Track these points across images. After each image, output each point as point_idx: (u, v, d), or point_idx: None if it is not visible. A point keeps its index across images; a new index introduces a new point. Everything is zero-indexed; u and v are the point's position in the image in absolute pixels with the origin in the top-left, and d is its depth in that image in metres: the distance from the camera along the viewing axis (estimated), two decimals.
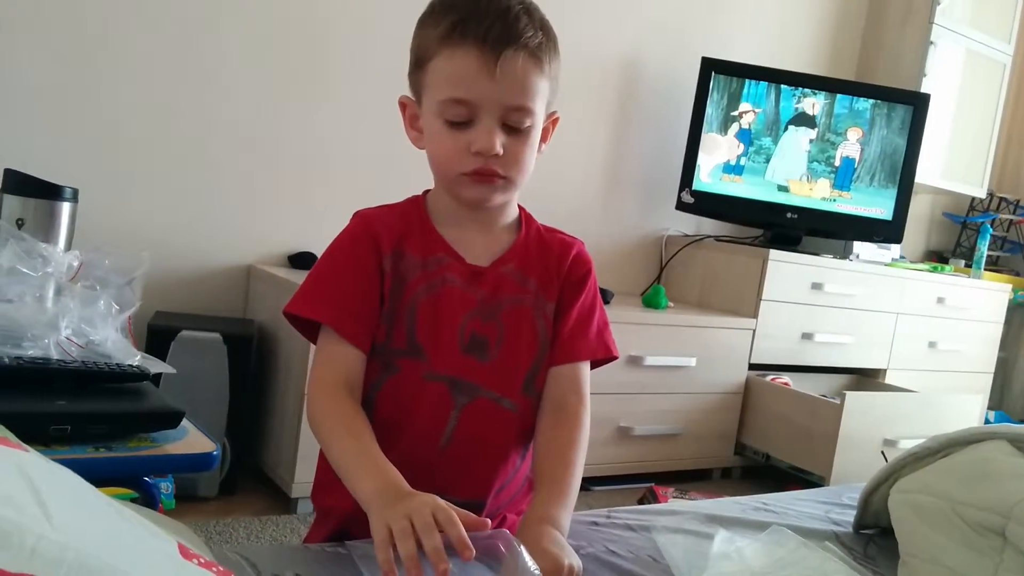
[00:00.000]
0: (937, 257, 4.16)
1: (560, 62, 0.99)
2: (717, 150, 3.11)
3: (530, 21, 0.94)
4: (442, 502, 0.78)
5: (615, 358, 1.09)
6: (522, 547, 0.79)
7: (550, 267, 1.07)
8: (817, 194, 3.16)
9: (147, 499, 1.08)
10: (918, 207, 3.93)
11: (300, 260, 2.48)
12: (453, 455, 1.00)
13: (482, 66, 0.91)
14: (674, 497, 2.52)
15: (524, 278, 1.04)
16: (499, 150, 0.93)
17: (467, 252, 1.02)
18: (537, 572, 0.78)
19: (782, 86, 3.11)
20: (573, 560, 0.83)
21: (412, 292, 0.99)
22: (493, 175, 0.95)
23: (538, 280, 1.05)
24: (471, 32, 0.91)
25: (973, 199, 4.14)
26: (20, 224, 1.23)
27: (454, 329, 0.99)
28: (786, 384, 3.02)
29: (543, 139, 1.02)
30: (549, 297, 1.05)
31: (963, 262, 3.98)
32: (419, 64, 0.97)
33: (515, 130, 0.95)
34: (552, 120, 1.03)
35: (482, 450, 1.02)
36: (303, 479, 2.14)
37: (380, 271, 1.00)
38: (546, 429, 1.01)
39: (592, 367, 1.08)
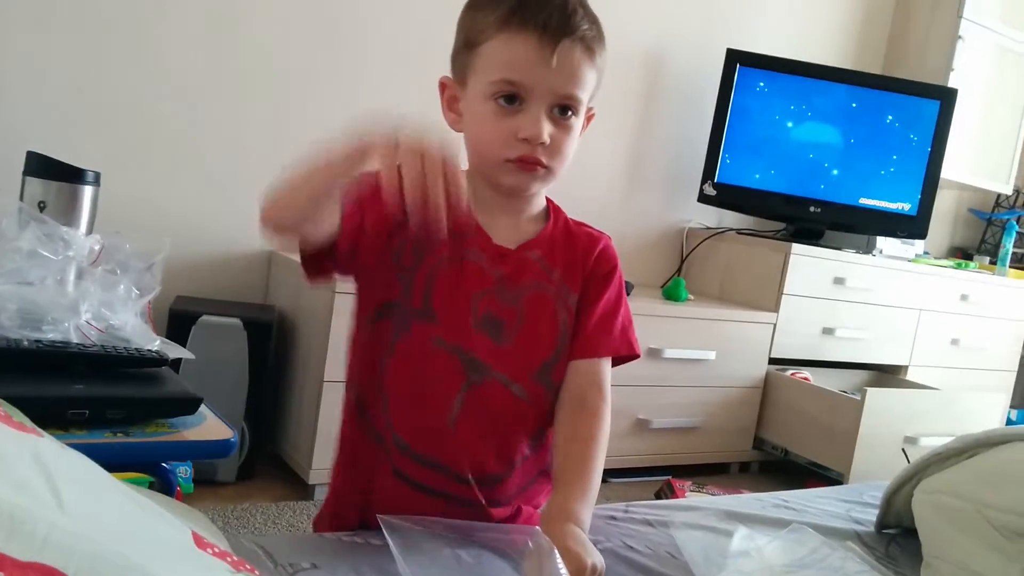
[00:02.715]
0: (962, 254, 4.11)
1: (607, 56, 1.00)
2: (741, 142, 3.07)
3: (585, 14, 0.96)
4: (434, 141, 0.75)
5: (637, 356, 1.08)
6: (555, 550, 0.79)
7: (576, 259, 1.06)
8: (841, 188, 3.12)
9: (163, 485, 1.09)
10: (943, 203, 3.88)
11: None
12: (462, 432, 0.98)
13: (539, 53, 0.92)
14: (691, 491, 2.51)
15: (549, 267, 1.04)
16: (546, 139, 0.94)
17: (495, 235, 1.02)
18: (566, 575, 0.77)
19: (808, 79, 3.07)
20: (596, 559, 0.83)
21: (435, 258, 0.99)
22: (537, 163, 0.96)
23: (563, 270, 1.05)
24: (531, 19, 0.92)
25: (999, 195, 4.08)
26: (42, 207, 1.23)
27: (467, 302, 0.99)
28: (806, 379, 2.99)
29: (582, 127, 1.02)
30: (573, 288, 1.05)
31: (988, 259, 3.92)
32: (469, 45, 0.96)
33: (562, 120, 0.96)
34: (589, 115, 1.04)
35: (490, 433, 1.01)
36: (320, 465, 2.14)
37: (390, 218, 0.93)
38: (566, 424, 1.00)
39: (613, 364, 1.07)
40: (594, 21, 0.97)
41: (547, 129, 0.94)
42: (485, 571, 0.83)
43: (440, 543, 0.85)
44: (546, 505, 0.92)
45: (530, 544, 0.82)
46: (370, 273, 1.00)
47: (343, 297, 2.10)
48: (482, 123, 0.96)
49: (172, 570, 0.48)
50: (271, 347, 2.25)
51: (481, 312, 0.99)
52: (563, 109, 0.95)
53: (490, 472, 1.01)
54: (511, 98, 0.93)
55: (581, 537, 0.86)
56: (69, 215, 1.25)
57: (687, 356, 2.77)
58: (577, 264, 1.06)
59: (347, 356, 1.06)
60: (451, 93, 1.01)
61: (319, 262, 0.97)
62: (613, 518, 1.13)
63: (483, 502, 1.00)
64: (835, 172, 3.12)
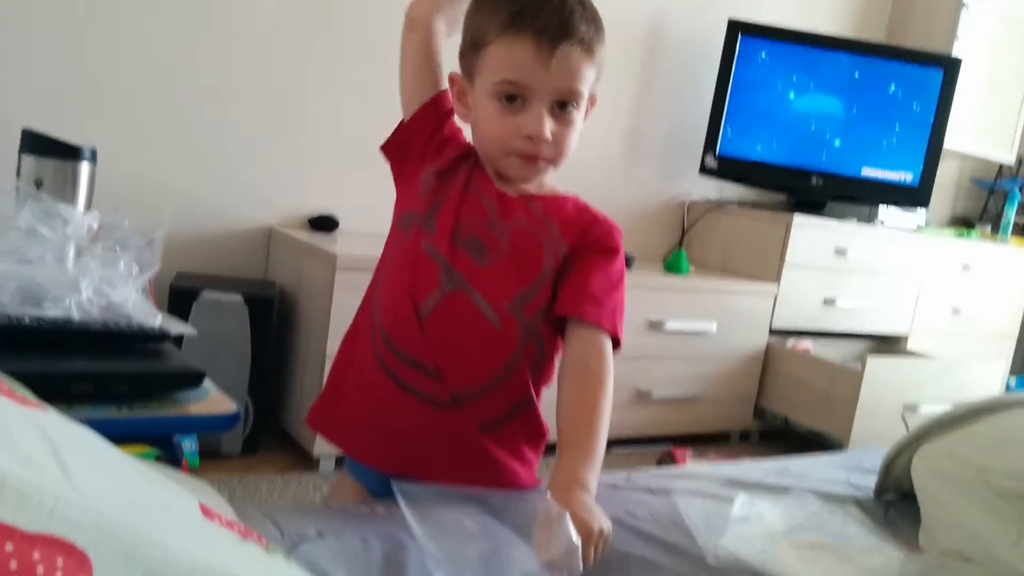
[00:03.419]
0: (963, 223, 4.10)
1: (605, 48, 1.05)
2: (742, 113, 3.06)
3: (584, 13, 1.01)
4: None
5: (619, 347, 1.07)
6: (567, 515, 0.80)
7: (577, 222, 1.09)
8: (843, 158, 3.11)
9: (169, 458, 1.09)
10: (945, 172, 3.86)
11: (320, 223, 2.48)
12: (429, 337, 1.03)
13: (538, 58, 0.98)
14: (692, 459, 2.53)
15: (546, 217, 1.07)
16: (548, 136, 1.01)
17: (503, 188, 1.09)
18: (578, 542, 0.78)
19: (810, 48, 3.05)
20: (603, 523, 0.85)
21: (452, 188, 1.08)
22: (539, 159, 1.03)
23: (560, 224, 1.07)
24: (528, 25, 0.97)
25: (1001, 165, 4.06)
26: (39, 185, 1.22)
27: (456, 222, 1.06)
28: (807, 350, 3.00)
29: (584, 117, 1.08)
30: (566, 240, 1.07)
31: (989, 228, 3.92)
32: (474, 46, 1.03)
33: (563, 115, 1.02)
34: (591, 101, 1.09)
35: (459, 349, 1.04)
36: None
37: (443, 142, 1.12)
38: (569, 390, 1.01)
39: None
40: (592, 19, 1.02)
41: (549, 126, 1.01)
42: (495, 539, 0.84)
43: (451, 511, 0.86)
44: (553, 472, 0.93)
45: (540, 510, 0.83)
46: (407, 178, 1.13)
47: (344, 274, 2.10)
48: (488, 119, 1.04)
49: (180, 539, 0.49)
50: (272, 322, 2.26)
51: (466, 234, 1.05)
52: (563, 104, 1.01)
53: (453, 385, 1.03)
54: (513, 97, 1.00)
55: (588, 502, 0.88)
56: (66, 193, 1.24)
57: (688, 328, 2.78)
58: (577, 226, 1.08)
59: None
60: (460, 88, 1.08)
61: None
62: (615, 486, 1.14)
63: (451, 400, 1.03)
64: (837, 142, 3.11)
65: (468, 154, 1.11)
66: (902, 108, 3.13)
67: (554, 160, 1.05)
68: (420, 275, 1.05)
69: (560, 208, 1.09)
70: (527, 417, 1.08)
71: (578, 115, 1.04)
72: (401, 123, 1.14)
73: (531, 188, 1.10)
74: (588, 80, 1.02)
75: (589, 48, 1.00)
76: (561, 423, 0.99)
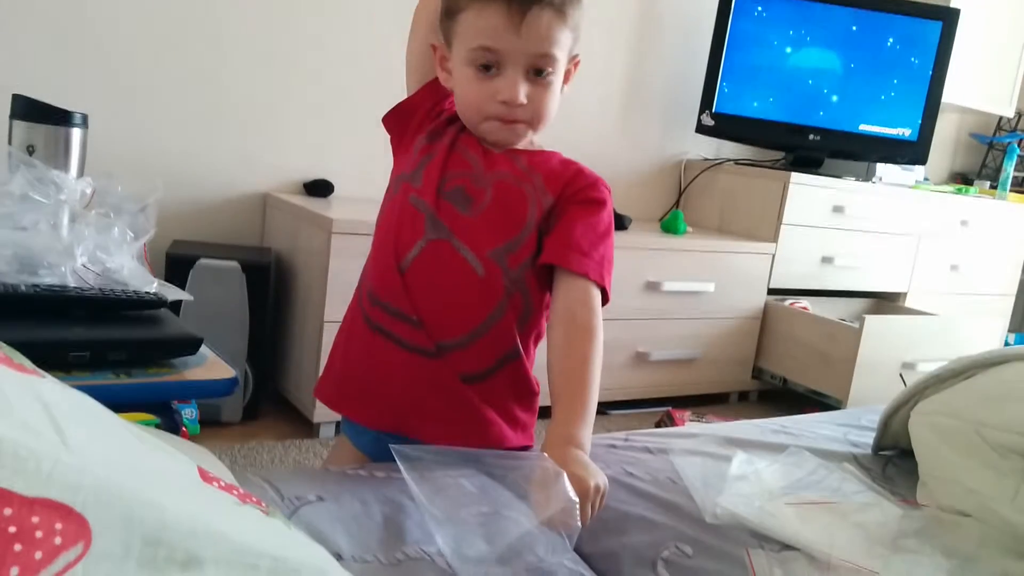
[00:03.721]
0: (962, 179, 4.09)
1: (583, 10, 1.04)
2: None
3: None
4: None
5: (607, 299, 1.07)
6: (564, 474, 0.80)
7: (562, 174, 1.09)
8: (841, 115, 3.09)
9: (170, 425, 1.10)
10: (944, 127, 3.84)
11: (316, 188, 2.46)
12: (411, 285, 1.04)
13: (509, 23, 0.98)
14: (691, 420, 2.54)
15: (531, 170, 1.08)
16: (523, 100, 1.01)
17: (489, 147, 1.10)
18: (576, 500, 0.79)
19: (807, 2, 3.01)
20: (599, 479, 0.85)
21: (440, 145, 1.10)
22: (516, 122, 1.05)
23: (544, 176, 1.08)
24: None
25: (1001, 119, 4.04)
26: (31, 151, 1.21)
27: (439, 175, 1.07)
28: (805, 308, 3.00)
29: (565, 80, 1.08)
30: (551, 191, 1.07)
31: (988, 183, 3.90)
32: (449, 14, 1.04)
33: (539, 79, 1.02)
34: (574, 63, 1.09)
35: (442, 296, 1.05)
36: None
37: (439, 114, 1.14)
38: (558, 342, 1.01)
39: None
40: None
41: (523, 90, 1.01)
42: (493, 500, 0.84)
43: (449, 472, 0.87)
44: (547, 431, 0.93)
45: (537, 469, 0.84)
46: (405, 149, 1.14)
47: (340, 238, 2.09)
48: (466, 85, 1.04)
49: (178, 502, 0.49)
50: (270, 289, 2.25)
51: (451, 186, 1.07)
52: (539, 69, 1.02)
53: (446, 336, 1.04)
54: (488, 65, 1.01)
55: (583, 460, 0.88)
56: (59, 159, 1.23)
57: (686, 289, 2.77)
58: (562, 178, 1.08)
59: None
60: (441, 54, 1.09)
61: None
62: (613, 446, 1.15)
63: (435, 349, 1.04)
64: (835, 98, 3.08)
65: (456, 118, 1.12)
66: (900, 62, 3.09)
67: (532, 123, 1.06)
68: (405, 225, 1.06)
69: (545, 161, 1.10)
70: (514, 372, 1.08)
71: (555, 79, 1.04)
72: (405, 98, 1.16)
73: (517, 146, 1.10)
74: (563, 44, 1.02)
75: (561, 11, 1.00)
76: (552, 378, 1.00)
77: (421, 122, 1.14)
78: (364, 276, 1.13)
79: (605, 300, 1.06)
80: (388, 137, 1.19)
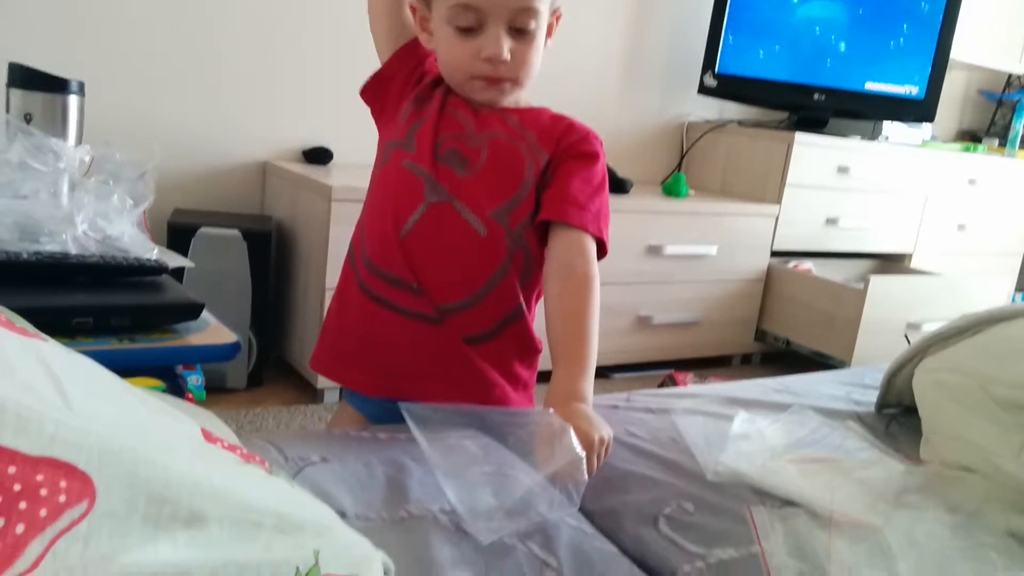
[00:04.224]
0: (970, 137, 4.05)
1: None
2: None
3: None
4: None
5: (605, 252, 1.07)
6: (569, 428, 0.81)
7: (553, 130, 1.08)
8: (847, 73, 3.05)
9: (175, 391, 1.10)
10: (952, 85, 3.80)
11: (315, 155, 2.45)
12: (411, 243, 1.03)
13: None
14: (694, 383, 2.55)
15: (523, 128, 1.07)
16: (507, 56, 1.00)
17: (477, 107, 1.09)
18: (582, 454, 0.79)
19: None
20: (603, 431, 0.86)
21: (428, 110, 1.08)
22: (501, 80, 1.03)
23: (537, 134, 1.07)
24: None
25: (1010, 75, 3.99)
26: (28, 119, 1.21)
27: (434, 139, 1.06)
28: (809, 271, 3.00)
29: (548, 35, 1.06)
30: (545, 148, 1.06)
31: (997, 141, 3.86)
32: None
33: (521, 34, 1.00)
34: (556, 16, 1.07)
35: (443, 260, 1.04)
36: None
37: (420, 78, 1.11)
38: (556, 296, 1.01)
39: None
40: None
41: (507, 46, 0.99)
42: (496, 460, 0.85)
43: (453, 434, 0.87)
44: (549, 386, 0.94)
45: (542, 424, 0.84)
46: (388, 118, 1.12)
47: (339, 205, 2.09)
48: (447, 45, 1.03)
49: (182, 462, 0.49)
50: (271, 256, 2.25)
51: (446, 148, 1.05)
52: (521, 24, 0.99)
53: (436, 296, 1.04)
54: (469, 27, 0.99)
55: (586, 412, 0.89)
56: (56, 127, 1.23)
57: (688, 252, 2.77)
58: (554, 134, 1.08)
59: None
60: (421, 15, 1.06)
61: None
62: (615, 407, 1.15)
63: (438, 317, 1.03)
64: (841, 54, 3.04)
65: (441, 80, 1.11)
66: (907, 17, 3.05)
67: (517, 80, 1.04)
68: (403, 193, 1.05)
69: (536, 118, 1.09)
70: (518, 331, 1.08)
71: (539, 33, 1.02)
72: (379, 68, 1.14)
73: (506, 104, 1.09)
74: None
75: None
76: (551, 332, 0.99)
77: (402, 89, 1.12)
78: (356, 245, 1.11)
79: (604, 253, 1.06)
80: (371, 111, 1.17)
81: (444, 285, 1.04)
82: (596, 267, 1.02)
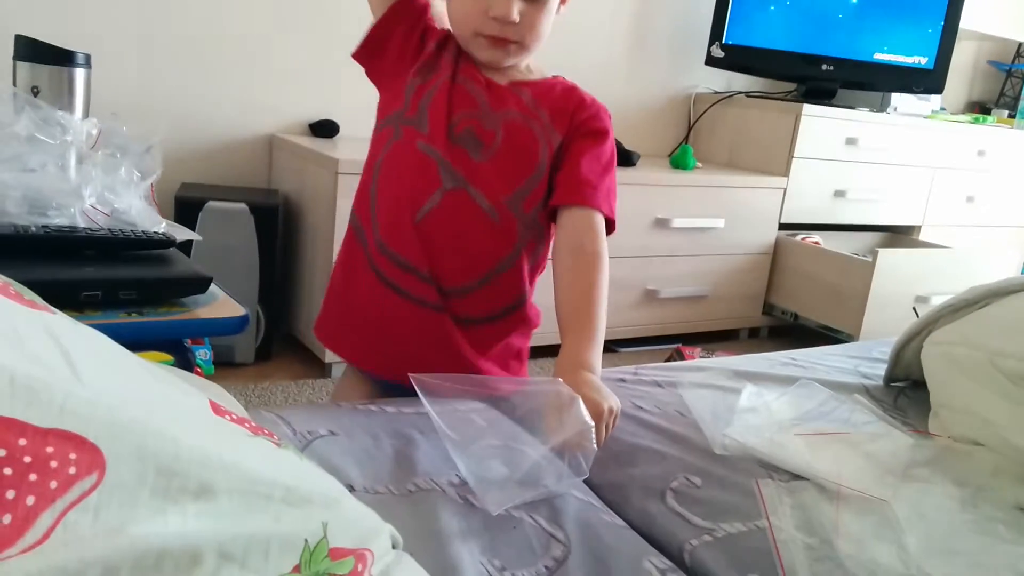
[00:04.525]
0: (980, 108, 4.01)
1: None
2: None
3: None
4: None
5: (612, 229, 1.07)
6: (578, 399, 0.81)
7: (566, 108, 1.07)
8: (855, 43, 3.01)
9: (184, 364, 1.11)
10: (961, 55, 3.75)
11: (321, 128, 2.44)
12: (425, 230, 1.03)
13: None
14: (701, 356, 2.55)
15: (536, 105, 1.06)
16: (516, 18, 0.98)
17: (489, 75, 1.07)
18: (591, 424, 0.80)
19: None
20: (611, 402, 0.86)
21: (437, 79, 1.05)
22: (506, 41, 1.01)
23: (551, 113, 1.06)
24: None
25: (1020, 45, 3.94)
26: (35, 92, 1.21)
27: (448, 117, 1.03)
28: (817, 243, 2.98)
29: (561, 1, 1.04)
30: (558, 130, 1.06)
31: (1007, 113, 3.82)
32: None
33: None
34: None
35: (456, 247, 1.04)
36: None
37: (422, 36, 1.08)
38: (565, 271, 1.02)
39: None
40: None
41: (517, 7, 0.97)
42: (504, 433, 0.85)
43: (461, 407, 0.88)
44: (558, 357, 0.94)
45: (551, 394, 0.85)
46: (388, 79, 1.10)
47: (346, 178, 2.08)
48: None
49: (191, 434, 0.49)
50: (278, 231, 2.25)
51: (461, 128, 1.04)
52: None
53: (455, 283, 1.04)
54: None
55: (595, 382, 0.89)
56: (63, 99, 1.23)
57: (695, 225, 2.76)
58: (566, 112, 1.07)
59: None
60: None
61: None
62: (623, 380, 1.15)
63: (442, 304, 1.04)
64: (849, 24, 3.00)
65: (447, 42, 1.08)
66: None
67: (524, 44, 1.02)
68: (418, 176, 1.03)
69: (548, 92, 1.07)
70: (520, 314, 1.11)
71: (555, 1, 1.01)
72: (373, 26, 1.11)
73: (517, 74, 1.08)
74: None
75: None
76: (561, 306, 1.00)
77: (401, 48, 1.09)
78: (364, 222, 1.09)
79: (612, 229, 1.06)
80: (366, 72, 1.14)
81: (453, 270, 1.04)
82: (605, 244, 1.03)
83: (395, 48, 1.09)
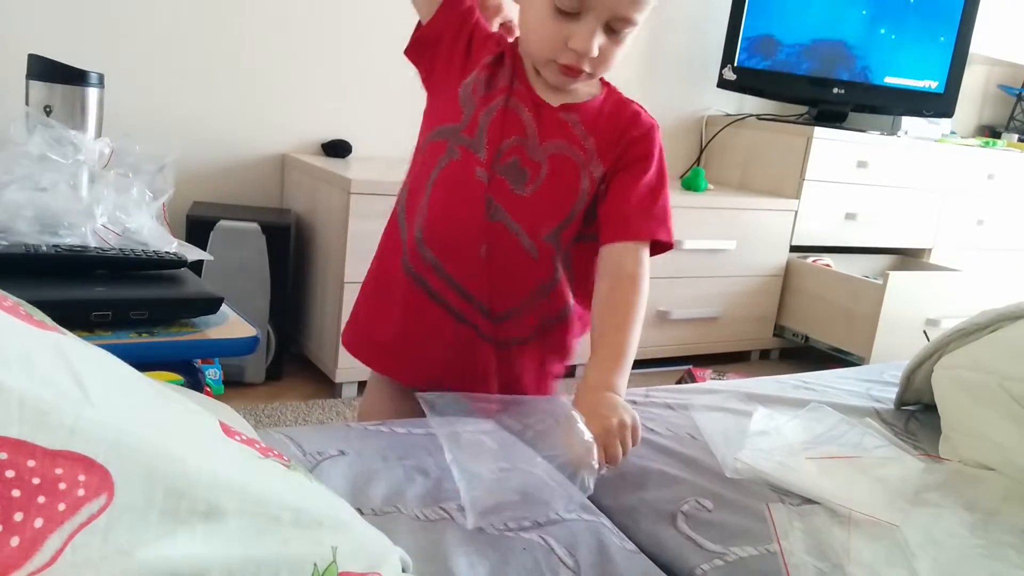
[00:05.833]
0: (989, 132, 4.00)
1: None
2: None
3: None
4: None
5: (671, 246, 1.08)
6: (579, 417, 0.81)
7: (615, 133, 1.06)
8: (866, 67, 3.02)
9: (194, 385, 1.11)
10: (971, 79, 3.75)
11: (334, 148, 2.45)
12: (485, 260, 1.03)
13: None
14: (712, 378, 2.53)
15: (584, 133, 1.05)
16: (595, 53, 0.97)
17: (540, 90, 1.06)
18: (591, 440, 0.79)
19: None
20: (624, 416, 0.86)
21: (494, 100, 1.04)
22: (580, 72, 1.00)
23: (598, 140, 1.05)
24: None
25: None
26: (48, 111, 1.21)
27: (498, 144, 1.03)
28: (828, 266, 2.97)
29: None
30: (603, 161, 1.05)
31: (1016, 137, 3.82)
32: None
33: (614, 34, 0.98)
34: None
35: (499, 271, 1.04)
36: (346, 364, 2.18)
37: (469, 40, 1.07)
38: (603, 293, 1.02)
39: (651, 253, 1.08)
40: None
41: (598, 42, 0.96)
42: (511, 456, 0.85)
43: (469, 428, 0.87)
44: (582, 376, 0.95)
45: (556, 415, 0.85)
46: (438, 85, 1.08)
47: (359, 199, 2.09)
48: (538, 21, 0.99)
49: (200, 455, 0.49)
50: (290, 250, 2.26)
51: (507, 158, 1.03)
52: (618, 27, 0.97)
53: (497, 308, 1.05)
54: (568, 12, 0.95)
55: (612, 401, 0.89)
56: (76, 119, 1.23)
57: (707, 247, 2.75)
58: (614, 138, 1.06)
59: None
60: None
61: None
62: (634, 403, 1.15)
63: (481, 321, 1.05)
64: (860, 48, 3.02)
65: (502, 51, 1.07)
66: (927, 10, 3.02)
67: (595, 74, 1.03)
68: (472, 203, 1.03)
69: (598, 118, 1.06)
70: (557, 336, 1.11)
71: (629, 38, 1.01)
72: (419, 24, 1.09)
73: (570, 96, 1.06)
74: (646, 10, 0.97)
75: None
76: (593, 325, 1.01)
77: (450, 51, 1.07)
78: (410, 231, 1.07)
79: (668, 247, 1.07)
80: (405, 96, 1.16)
81: (492, 296, 1.05)
82: (647, 268, 1.03)
83: (444, 51, 1.08)
